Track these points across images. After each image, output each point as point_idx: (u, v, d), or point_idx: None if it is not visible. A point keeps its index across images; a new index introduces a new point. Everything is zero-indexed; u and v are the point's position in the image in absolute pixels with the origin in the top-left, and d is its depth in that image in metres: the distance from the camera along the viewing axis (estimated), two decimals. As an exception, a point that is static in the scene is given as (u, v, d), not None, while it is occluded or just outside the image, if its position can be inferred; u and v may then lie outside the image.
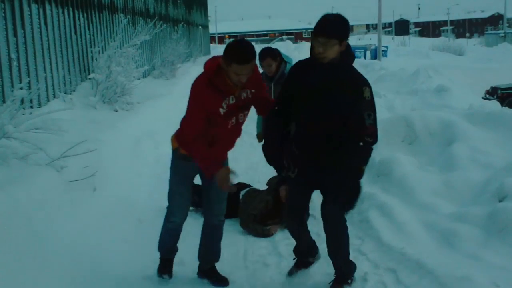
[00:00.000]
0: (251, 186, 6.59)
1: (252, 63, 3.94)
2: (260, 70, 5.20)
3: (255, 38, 78.65)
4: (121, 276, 4.83)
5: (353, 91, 3.91)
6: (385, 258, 4.97)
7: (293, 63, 6.55)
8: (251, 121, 12.14)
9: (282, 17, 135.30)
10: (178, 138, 4.61)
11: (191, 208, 5.90)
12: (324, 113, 3.99)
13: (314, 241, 4.73)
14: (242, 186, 6.48)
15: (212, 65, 4.13)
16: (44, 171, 5.37)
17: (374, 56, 38.08)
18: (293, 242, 5.20)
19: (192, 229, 6.01)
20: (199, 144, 4.17)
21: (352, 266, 4.54)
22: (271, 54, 6.40)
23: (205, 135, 4.17)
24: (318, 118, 4.03)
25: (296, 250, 4.77)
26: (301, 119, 4.17)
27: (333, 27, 3.83)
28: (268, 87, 6.46)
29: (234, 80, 3.97)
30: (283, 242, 5.56)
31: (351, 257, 4.54)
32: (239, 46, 3.94)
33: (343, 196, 4.14)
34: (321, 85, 3.92)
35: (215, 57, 4.22)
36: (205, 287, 4.69)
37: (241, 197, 6.28)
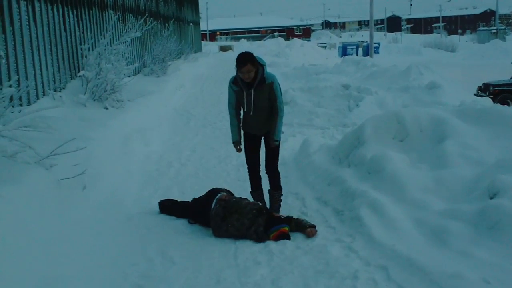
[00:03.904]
0: (223, 192, 6.33)
1: None
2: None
3: (247, 35, 78.52)
4: (111, 273, 4.80)
5: None
6: (376, 255, 4.96)
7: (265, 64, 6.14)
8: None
9: (274, 14, 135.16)
10: None
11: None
12: None
13: None
14: (215, 191, 6.34)
15: None
16: (33, 170, 5.33)
17: (366, 53, 38.15)
18: (284, 241, 5.25)
19: (181, 228, 6.02)
20: None
21: None
22: (251, 60, 5.95)
23: None
24: None
25: None
26: None
27: None
28: (246, 94, 6.12)
29: None
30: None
31: (341, 254, 4.53)
32: None
33: None
34: None
35: None
36: (196, 284, 4.66)
37: (214, 202, 6.07)
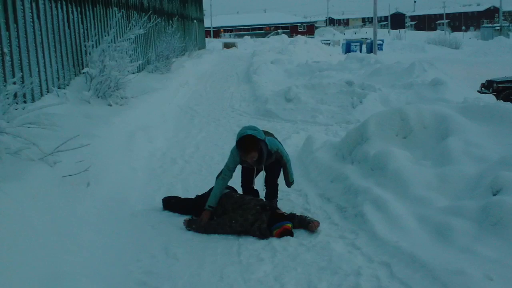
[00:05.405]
0: (227, 188, 6.36)
1: None
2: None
3: (251, 32, 78.43)
4: (115, 270, 4.82)
5: None
6: (379, 252, 4.97)
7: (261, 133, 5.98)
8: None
9: (278, 11, 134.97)
10: None
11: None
12: None
13: None
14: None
15: None
16: (37, 166, 5.34)
17: (370, 50, 38.10)
18: (287, 238, 5.26)
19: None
20: None
21: None
22: (254, 147, 5.84)
23: None
24: None
25: None
26: None
27: None
28: (257, 169, 6.26)
29: None
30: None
31: (344, 251, 4.63)
32: None
33: None
34: None
35: None
36: (199, 281, 4.67)
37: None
